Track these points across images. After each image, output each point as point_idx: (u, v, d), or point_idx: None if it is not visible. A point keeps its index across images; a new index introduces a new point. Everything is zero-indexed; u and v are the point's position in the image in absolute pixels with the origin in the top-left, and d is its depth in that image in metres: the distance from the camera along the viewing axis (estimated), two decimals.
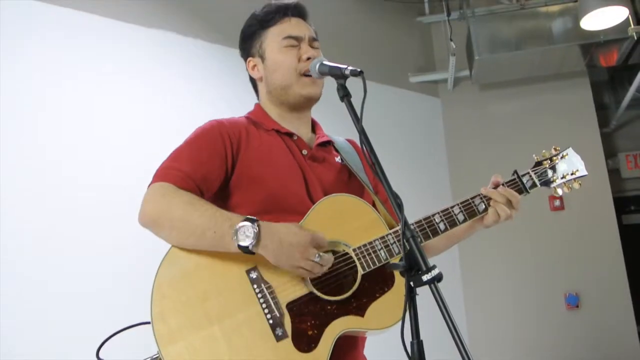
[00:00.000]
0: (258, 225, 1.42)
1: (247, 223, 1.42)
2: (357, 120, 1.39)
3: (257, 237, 1.41)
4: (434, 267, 1.18)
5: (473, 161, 5.09)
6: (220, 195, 1.64)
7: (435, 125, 5.37)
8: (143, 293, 1.49)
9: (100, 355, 1.54)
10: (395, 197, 1.28)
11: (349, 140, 1.93)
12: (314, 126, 1.89)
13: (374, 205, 1.71)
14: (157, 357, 1.43)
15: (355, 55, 4.76)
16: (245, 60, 1.85)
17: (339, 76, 1.48)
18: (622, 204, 5.41)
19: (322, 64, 1.59)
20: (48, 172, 2.95)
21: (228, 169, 1.63)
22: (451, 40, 4.75)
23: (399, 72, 5.25)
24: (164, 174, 1.55)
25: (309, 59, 1.71)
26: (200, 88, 3.70)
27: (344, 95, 1.45)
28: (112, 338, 1.54)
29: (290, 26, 1.77)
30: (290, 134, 1.76)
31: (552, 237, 4.94)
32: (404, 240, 1.23)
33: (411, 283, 1.20)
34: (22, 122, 2.96)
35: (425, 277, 1.17)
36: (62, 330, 2.74)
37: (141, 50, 3.53)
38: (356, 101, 1.42)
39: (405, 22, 5.48)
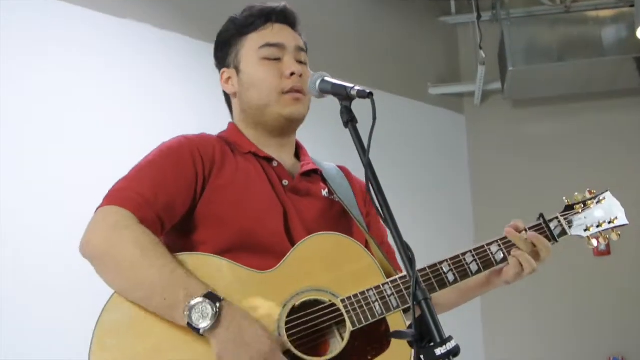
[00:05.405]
0: (220, 307, 1.40)
1: (207, 302, 1.40)
2: (363, 151, 1.38)
3: (215, 320, 1.39)
4: (449, 338, 1.18)
5: (501, 189, 5.13)
6: (182, 228, 1.63)
7: (457, 146, 5.41)
8: None
9: None
10: (406, 248, 1.27)
11: (340, 167, 1.95)
12: (298, 150, 1.90)
13: (367, 246, 1.71)
14: None
15: (367, 60, 4.85)
16: (219, 71, 1.87)
17: (344, 97, 1.46)
18: None
19: (323, 81, 1.54)
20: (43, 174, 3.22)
21: (196, 197, 1.63)
22: (481, 48, 4.78)
23: (417, 81, 5.29)
24: (118, 197, 1.54)
25: (292, 74, 1.72)
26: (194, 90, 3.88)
27: (349, 120, 1.44)
28: None
29: (272, 33, 1.78)
30: (269, 159, 1.77)
31: (595, 288, 4.92)
32: (414, 303, 1.22)
33: (422, 357, 1.18)
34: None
35: (438, 351, 1.16)
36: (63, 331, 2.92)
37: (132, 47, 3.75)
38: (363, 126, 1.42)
39: (427, 23, 5.54)
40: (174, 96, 3.79)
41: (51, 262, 3.06)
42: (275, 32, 1.78)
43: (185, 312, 1.39)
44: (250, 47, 1.77)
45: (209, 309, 1.38)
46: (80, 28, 3.55)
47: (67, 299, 2.99)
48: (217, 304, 1.40)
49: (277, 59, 1.76)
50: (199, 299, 1.39)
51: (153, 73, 3.78)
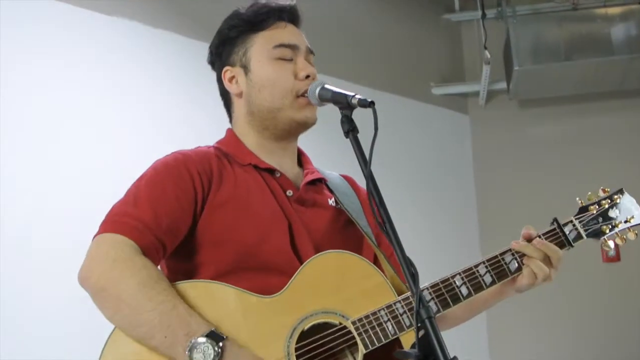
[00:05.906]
0: (222, 347, 1.39)
1: (208, 341, 1.39)
2: (364, 162, 1.38)
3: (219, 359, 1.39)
4: (454, 359, 1.19)
5: (507, 193, 5.11)
6: (182, 249, 1.61)
7: (461, 148, 5.39)
8: None
9: None
10: (409, 264, 1.28)
11: (344, 177, 1.92)
12: (300, 157, 1.87)
13: (375, 259, 1.72)
14: None
15: (368, 59, 4.86)
16: (221, 69, 1.82)
17: (344, 106, 1.47)
18: None
19: (323, 88, 1.57)
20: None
21: (196, 216, 1.61)
22: (485, 47, 4.76)
23: (420, 81, 5.27)
24: (116, 223, 1.52)
25: (308, 77, 1.70)
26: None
27: (350, 129, 1.45)
28: None
29: (284, 33, 1.76)
30: (271, 170, 1.74)
31: (604, 296, 4.88)
32: (418, 323, 1.23)
33: None
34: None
35: None
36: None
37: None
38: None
39: (430, 20, 5.49)
40: (168, 96, 3.76)
41: (51, 262, 3.06)
42: (288, 32, 1.77)
43: (187, 352, 1.38)
44: (262, 46, 1.75)
45: (210, 349, 1.38)
46: (71, 26, 3.55)
47: (67, 299, 2.91)
48: (220, 344, 1.39)
49: (290, 60, 1.74)
50: (201, 339, 1.39)
51: (146, 72, 3.77)
